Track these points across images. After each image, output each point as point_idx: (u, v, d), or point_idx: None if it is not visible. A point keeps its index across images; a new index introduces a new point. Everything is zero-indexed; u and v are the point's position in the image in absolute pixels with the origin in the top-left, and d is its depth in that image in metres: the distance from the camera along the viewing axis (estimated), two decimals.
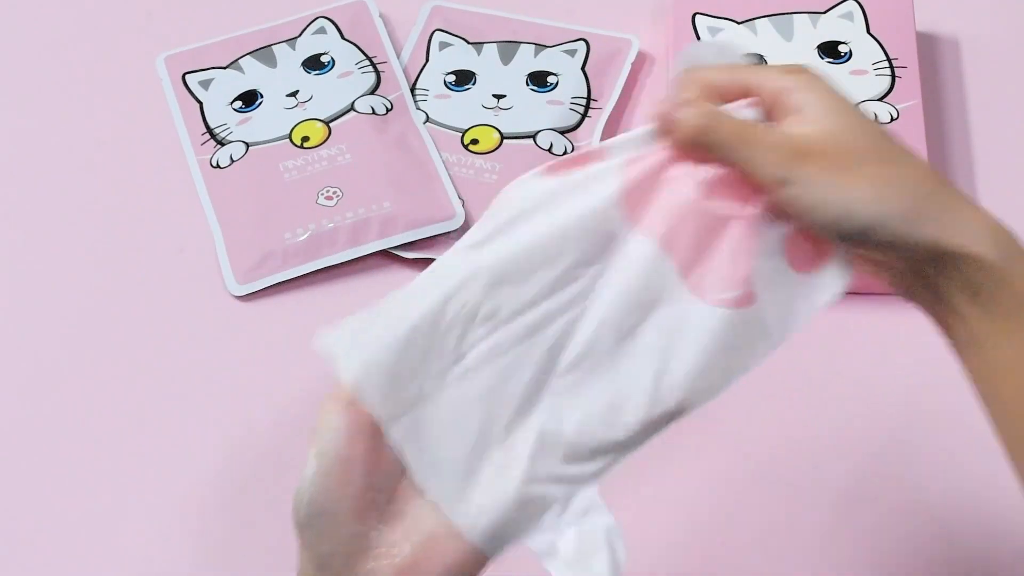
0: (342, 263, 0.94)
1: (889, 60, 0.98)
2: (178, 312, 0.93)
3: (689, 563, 0.82)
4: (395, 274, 0.94)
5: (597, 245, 0.63)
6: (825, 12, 1.01)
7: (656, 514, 0.83)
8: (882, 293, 0.91)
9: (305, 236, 0.94)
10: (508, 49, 1.03)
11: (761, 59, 0.99)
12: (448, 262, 0.64)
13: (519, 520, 0.62)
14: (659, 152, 0.63)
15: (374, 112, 1.00)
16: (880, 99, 0.96)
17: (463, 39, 1.04)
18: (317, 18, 1.06)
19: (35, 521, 0.85)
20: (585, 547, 0.63)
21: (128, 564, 0.83)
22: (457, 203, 0.95)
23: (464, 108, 1.01)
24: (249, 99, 1.02)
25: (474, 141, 0.99)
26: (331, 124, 0.99)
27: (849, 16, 1.01)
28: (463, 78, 1.02)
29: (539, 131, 0.99)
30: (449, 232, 0.94)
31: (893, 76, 0.97)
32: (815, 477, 0.85)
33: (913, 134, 0.94)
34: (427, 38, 1.05)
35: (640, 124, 1.00)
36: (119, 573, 0.83)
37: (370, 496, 0.64)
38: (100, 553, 0.83)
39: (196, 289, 0.94)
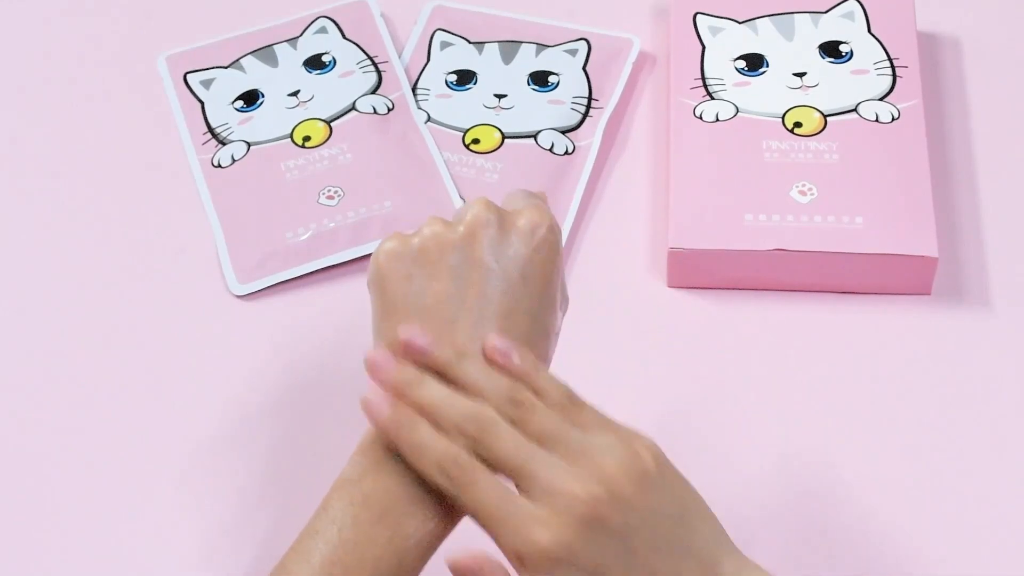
0: (343, 262, 0.94)
1: (890, 60, 0.98)
2: (179, 312, 0.93)
3: None
4: None
5: None
6: (826, 12, 1.01)
7: None
8: (881, 293, 0.91)
9: (306, 235, 0.94)
10: (509, 49, 1.03)
11: (762, 59, 0.99)
12: None
13: None
14: None
15: (375, 112, 1.00)
16: (881, 99, 0.96)
17: (464, 39, 1.04)
18: (318, 18, 1.06)
19: (34, 521, 0.85)
20: None
21: (130, 562, 0.83)
22: (458, 203, 0.95)
23: (465, 108, 1.01)
24: (250, 99, 1.02)
25: (475, 141, 0.99)
26: (332, 124, 1.00)
27: (850, 16, 1.01)
28: (464, 78, 1.02)
29: (540, 131, 0.99)
30: None
31: (894, 76, 0.97)
32: (817, 476, 0.85)
33: (914, 134, 0.94)
34: (428, 38, 1.05)
35: (641, 124, 1.01)
36: (120, 569, 0.83)
37: None
38: (101, 552, 0.83)
39: (197, 289, 0.94)
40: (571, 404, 0.67)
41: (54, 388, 0.90)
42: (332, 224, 0.95)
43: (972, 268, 0.92)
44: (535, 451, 0.64)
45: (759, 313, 0.91)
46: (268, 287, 0.93)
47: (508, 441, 0.64)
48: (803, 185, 0.92)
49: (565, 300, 0.72)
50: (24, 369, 0.91)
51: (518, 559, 0.63)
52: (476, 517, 0.64)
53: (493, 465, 0.64)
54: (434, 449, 0.65)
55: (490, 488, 0.64)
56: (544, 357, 0.70)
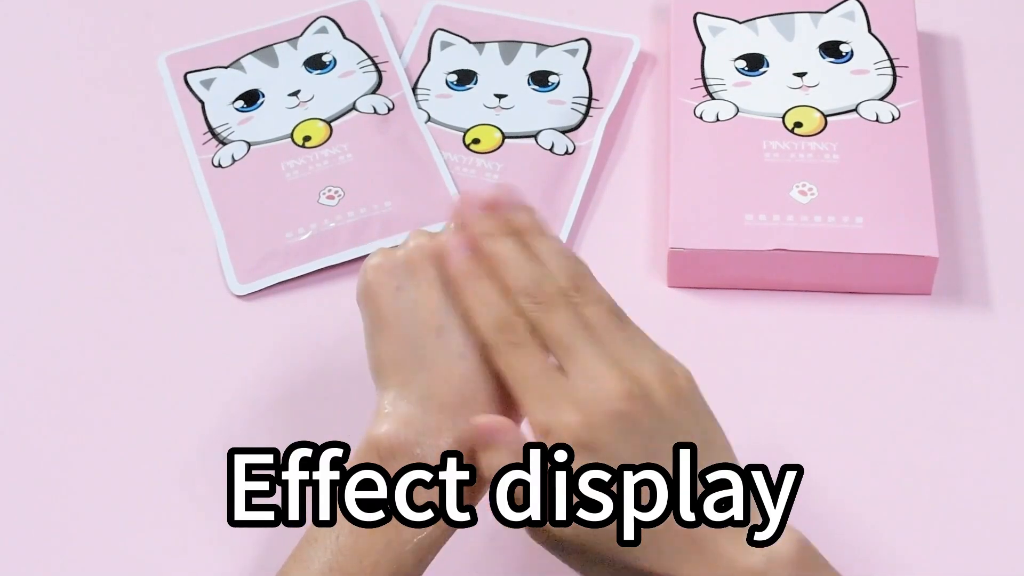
0: (344, 262, 0.94)
1: (890, 60, 0.98)
2: (179, 311, 0.93)
3: None
4: None
5: None
6: (826, 12, 1.01)
7: None
8: (881, 293, 0.91)
9: (307, 235, 0.94)
10: (509, 49, 1.04)
11: (763, 59, 0.99)
12: None
13: None
14: None
15: (375, 112, 1.00)
16: (881, 99, 0.96)
17: (464, 39, 1.04)
18: (319, 17, 1.06)
19: (34, 519, 0.85)
20: None
21: (129, 562, 0.83)
22: None
23: (465, 108, 1.01)
24: (251, 98, 1.02)
25: (475, 141, 0.99)
26: (332, 124, 1.00)
27: (850, 15, 1.01)
28: (464, 78, 1.02)
29: (540, 131, 0.99)
30: None
31: (894, 76, 0.97)
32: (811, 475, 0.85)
33: (914, 134, 0.94)
34: (428, 38, 1.05)
35: (641, 124, 1.01)
36: (119, 569, 0.83)
37: None
38: (99, 550, 0.83)
39: (198, 289, 0.94)
40: (620, 314, 0.67)
41: (54, 388, 0.90)
42: (332, 224, 0.95)
43: (972, 268, 0.92)
44: (586, 335, 0.65)
45: (759, 313, 0.91)
46: (268, 287, 0.93)
47: (564, 317, 0.65)
48: (803, 185, 0.92)
49: None
50: (24, 368, 0.91)
51: (544, 434, 0.63)
52: (513, 383, 0.65)
53: (543, 338, 0.65)
54: (495, 306, 0.66)
55: (534, 357, 0.65)
56: None
